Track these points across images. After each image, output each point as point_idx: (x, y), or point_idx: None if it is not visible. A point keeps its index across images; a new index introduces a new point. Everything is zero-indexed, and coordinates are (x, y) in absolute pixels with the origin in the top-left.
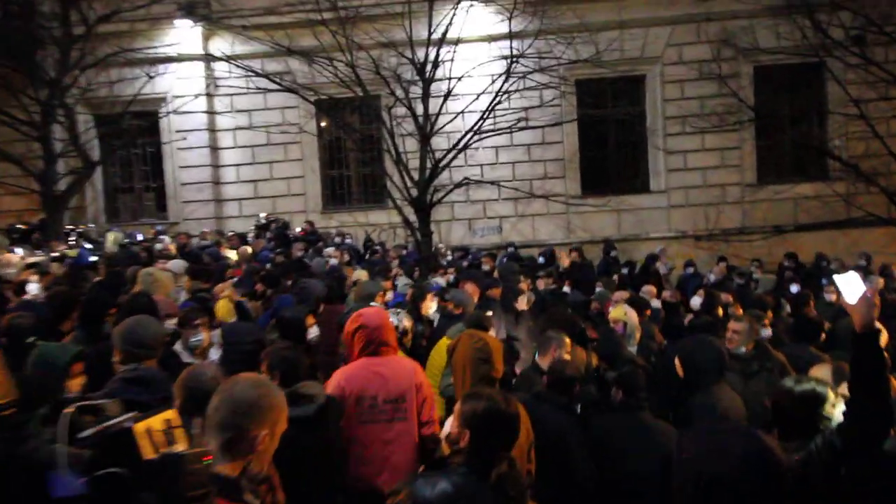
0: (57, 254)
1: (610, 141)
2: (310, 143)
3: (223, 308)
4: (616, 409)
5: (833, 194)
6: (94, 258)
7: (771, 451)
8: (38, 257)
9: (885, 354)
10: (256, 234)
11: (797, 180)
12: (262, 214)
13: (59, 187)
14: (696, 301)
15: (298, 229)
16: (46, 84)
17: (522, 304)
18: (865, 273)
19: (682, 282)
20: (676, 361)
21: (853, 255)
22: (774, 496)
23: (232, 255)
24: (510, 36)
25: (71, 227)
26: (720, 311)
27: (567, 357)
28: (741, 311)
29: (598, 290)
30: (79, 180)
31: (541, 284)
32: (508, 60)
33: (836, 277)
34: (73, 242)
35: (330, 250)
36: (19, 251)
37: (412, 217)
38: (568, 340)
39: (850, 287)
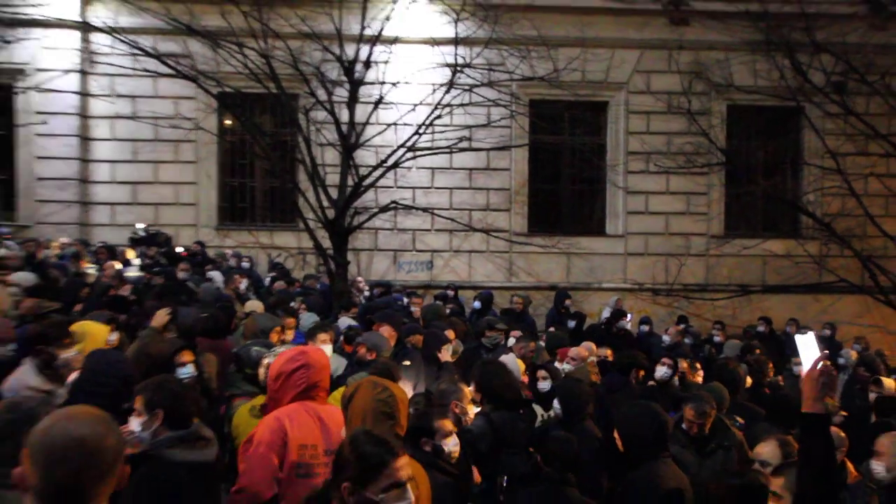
0: None
1: (564, 173)
2: (207, 143)
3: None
4: (537, 482)
5: (804, 254)
6: None
7: None
8: None
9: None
10: (130, 247)
11: (767, 236)
12: (141, 225)
13: None
14: (662, 371)
15: (180, 249)
16: None
17: (446, 354)
18: (831, 344)
19: (640, 339)
20: (615, 433)
21: (822, 324)
22: None
23: (92, 270)
24: (456, 41)
25: None
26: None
27: (470, 410)
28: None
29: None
30: None
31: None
32: (453, 69)
33: (797, 338)
34: None
35: (216, 275)
36: None
37: (326, 242)
38: (468, 391)
39: (807, 354)
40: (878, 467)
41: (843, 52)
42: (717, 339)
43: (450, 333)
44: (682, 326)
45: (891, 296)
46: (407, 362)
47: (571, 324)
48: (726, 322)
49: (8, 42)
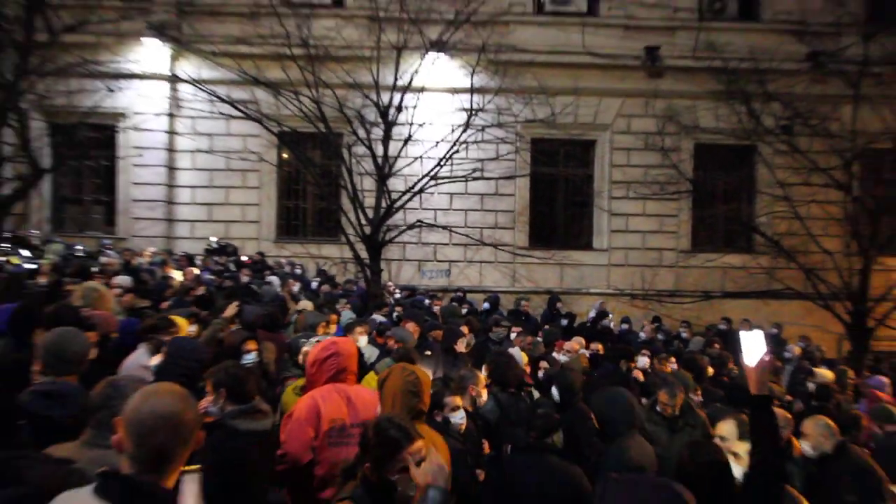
0: None
1: (558, 198)
2: (268, 172)
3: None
4: (525, 450)
5: (757, 266)
6: (32, 266)
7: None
8: None
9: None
10: (206, 256)
11: (726, 251)
12: (214, 238)
13: (3, 191)
14: (643, 361)
15: (245, 257)
16: (1, 87)
17: (461, 346)
18: (778, 341)
19: (620, 337)
20: (592, 414)
21: (771, 323)
22: None
23: (177, 275)
24: (472, 90)
25: (10, 233)
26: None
27: (483, 393)
28: (671, 367)
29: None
30: (25, 186)
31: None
32: (468, 113)
33: (742, 334)
34: (7, 249)
35: (274, 279)
36: None
37: (363, 253)
38: (482, 377)
39: (753, 347)
40: (805, 446)
41: (789, 101)
42: (684, 335)
43: (464, 329)
44: (655, 325)
45: (829, 301)
46: (428, 353)
47: (564, 322)
48: (692, 322)
49: (113, 91)
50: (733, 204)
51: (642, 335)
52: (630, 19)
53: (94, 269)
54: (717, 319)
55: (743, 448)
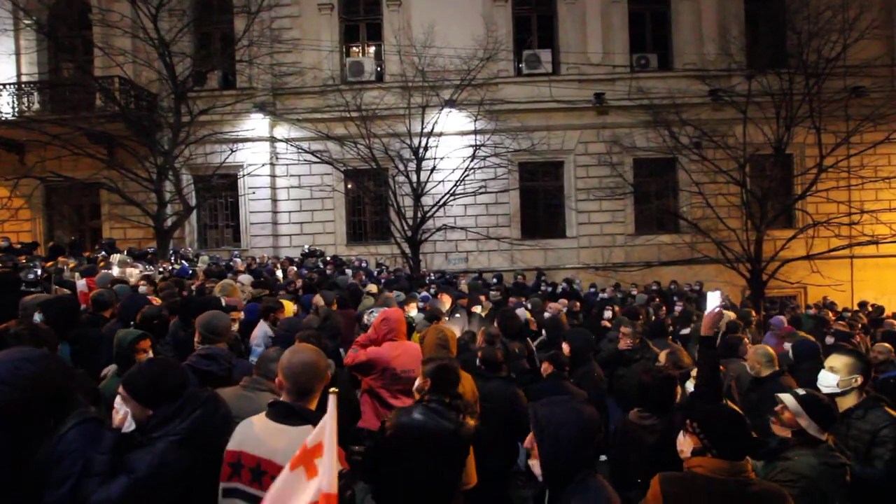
0: (162, 269)
1: (540, 203)
2: (339, 198)
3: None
4: (546, 379)
5: (682, 242)
6: (191, 271)
7: (590, 415)
8: (149, 271)
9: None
10: (301, 259)
11: (660, 232)
12: (306, 246)
13: (166, 224)
14: (608, 314)
15: (328, 258)
16: (162, 154)
17: (478, 310)
18: (700, 295)
19: (587, 297)
20: (564, 345)
21: (694, 282)
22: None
23: (280, 273)
24: (475, 132)
25: (173, 251)
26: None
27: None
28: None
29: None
30: (180, 219)
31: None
32: (474, 148)
33: (708, 294)
34: (173, 261)
35: (348, 272)
36: (139, 266)
37: (407, 250)
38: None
39: (711, 303)
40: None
41: (698, 125)
42: (633, 293)
43: (482, 297)
44: (613, 287)
45: (734, 264)
46: (457, 315)
47: (548, 289)
48: (638, 284)
49: (233, 151)
50: (663, 199)
51: (604, 295)
52: (582, 75)
53: (228, 272)
54: (658, 282)
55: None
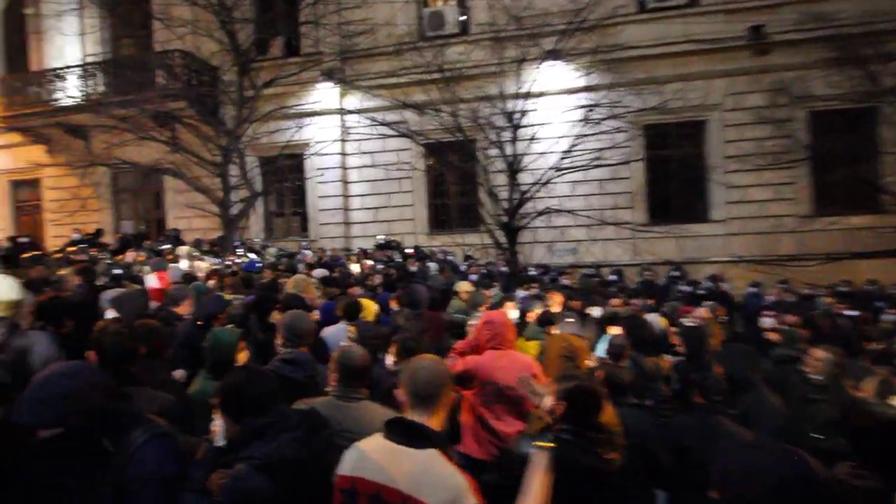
0: (230, 263)
1: (672, 177)
2: (418, 178)
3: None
4: (695, 411)
5: (886, 226)
6: (259, 265)
7: (812, 472)
8: (217, 265)
9: None
10: (375, 250)
11: (850, 212)
12: (381, 236)
13: (232, 211)
14: (767, 322)
15: (408, 250)
16: (226, 134)
17: (596, 313)
18: None
19: (747, 301)
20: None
21: None
22: None
23: (355, 267)
24: (586, 89)
25: (238, 242)
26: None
27: None
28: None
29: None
30: (247, 206)
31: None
32: (584, 110)
33: None
34: (241, 253)
35: (433, 265)
36: (208, 259)
37: (502, 239)
38: None
39: None
40: None
41: None
42: (811, 296)
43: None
44: (783, 287)
45: None
46: (569, 320)
47: (686, 289)
48: (819, 284)
49: (300, 128)
50: (855, 167)
51: (770, 298)
52: (730, 3)
53: (300, 265)
54: (849, 280)
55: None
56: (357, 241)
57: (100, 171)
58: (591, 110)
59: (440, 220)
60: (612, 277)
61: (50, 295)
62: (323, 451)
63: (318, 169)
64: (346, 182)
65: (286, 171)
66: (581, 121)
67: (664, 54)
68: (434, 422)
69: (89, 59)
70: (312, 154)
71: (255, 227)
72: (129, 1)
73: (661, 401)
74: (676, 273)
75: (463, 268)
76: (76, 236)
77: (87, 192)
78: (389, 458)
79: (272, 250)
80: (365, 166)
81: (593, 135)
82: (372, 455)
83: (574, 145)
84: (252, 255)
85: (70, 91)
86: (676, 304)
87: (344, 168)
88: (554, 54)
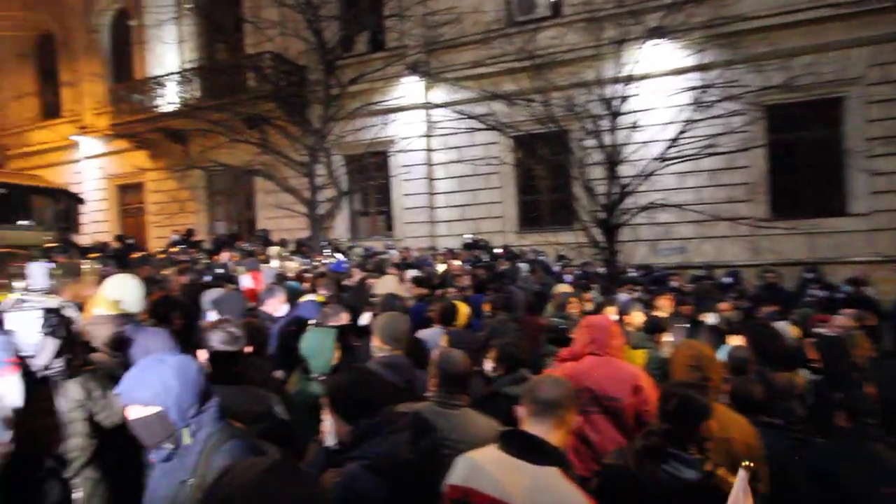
0: (317, 263)
1: (801, 164)
2: (507, 173)
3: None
4: (841, 435)
5: None
6: (345, 265)
7: None
8: (306, 265)
9: None
10: (462, 250)
11: None
12: (468, 235)
13: (319, 211)
14: None
15: (498, 249)
16: (313, 133)
17: (709, 319)
18: None
19: (894, 307)
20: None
21: None
22: None
23: (441, 267)
24: (697, 68)
25: (325, 241)
26: None
27: None
28: None
29: (802, 311)
30: (334, 206)
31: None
32: (695, 92)
33: None
34: (328, 253)
35: (524, 265)
36: (297, 259)
37: (599, 237)
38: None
39: None
40: None
41: None
42: None
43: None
44: None
45: None
46: (684, 325)
47: (820, 294)
48: None
49: (385, 125)
50: None
51: None
52: None
53: (389, 266)
54: None
55: None
56: (443, 240)
57: (196, 174)
58: (703, 92)
59: (531, 217)
60: (728, 280)
61: (160, 294)
62: (430, 455)
63: (404, 166)
64: (431, 179)
65: (371, 168)
66: (691, 104)
67: (792, 23)
68: (554, 438)
69: (187, 66)
70: (398, 151)
71: (340, 226)
72: (222, 5)
73: (794, 422)
74: (810, 275)
75: (556, 269)
76: (175, 237)
77: (184, 195)
78: (506, 472)
79: (358, 250)
80: (451, 162)
81: (705, 119)
82: (487, 467)
83: (682, 132)
84: (339, 256)
85: (170, 97)
86: (809, 310)
87: (429, 164)
88: (659, 31)
